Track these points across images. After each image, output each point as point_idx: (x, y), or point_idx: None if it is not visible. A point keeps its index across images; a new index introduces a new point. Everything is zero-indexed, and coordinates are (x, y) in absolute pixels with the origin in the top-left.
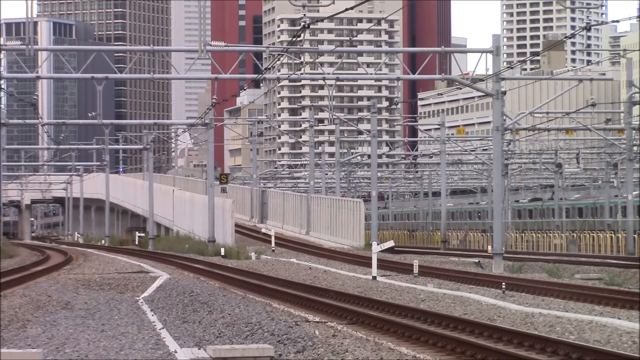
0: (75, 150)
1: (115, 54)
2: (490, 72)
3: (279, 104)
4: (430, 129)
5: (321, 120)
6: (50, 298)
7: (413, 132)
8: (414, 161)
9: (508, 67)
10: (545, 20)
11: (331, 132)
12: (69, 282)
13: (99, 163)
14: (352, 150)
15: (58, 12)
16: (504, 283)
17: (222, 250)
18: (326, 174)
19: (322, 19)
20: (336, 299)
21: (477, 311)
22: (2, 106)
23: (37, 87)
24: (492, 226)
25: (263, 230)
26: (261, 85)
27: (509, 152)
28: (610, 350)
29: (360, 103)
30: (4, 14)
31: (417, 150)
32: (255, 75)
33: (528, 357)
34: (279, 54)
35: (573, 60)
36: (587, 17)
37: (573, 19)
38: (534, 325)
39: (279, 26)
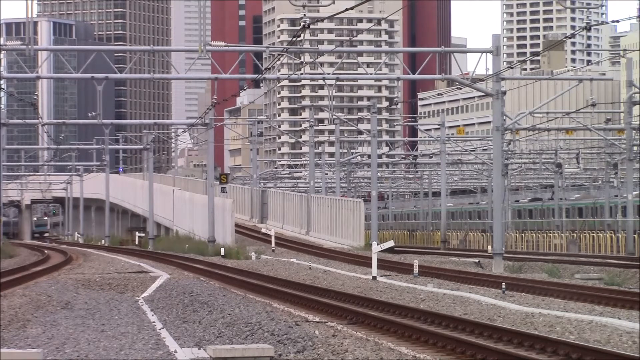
0: (75, 150)
1: (115, 54)
2: (490, 72)
3: (279, 104)
4: (430, 129)
5: (321, 120)
6: (50, 298)
7: (413, 132)
8: (414, 161)
9: (508, 67)
10: (545, 20)
11: (331, 132)
12: (69, 282)
13: (99, 163)
14: (352, 150)
15: (58, 12)
16: (504, 283)
17: (222, 250)
18: (326, 174)
19: (322, 19)
20: (336, 299)
21: (477, 311)
22: (2, 106)
23: (37, 87)
24: (492, 226)
25: (263, 230)
26: (261, 85)
27: (509, 152)
28: (610, 350)
29: (360, 103)
30: (4, 14)
31: (417, 150)
32: (255, 75)
33: (528, 357)
34: (279, 54)
35: (573, 60)
36: (587, 17)
37: (573, 19)
38: (534, 325)
39: (279, 26)
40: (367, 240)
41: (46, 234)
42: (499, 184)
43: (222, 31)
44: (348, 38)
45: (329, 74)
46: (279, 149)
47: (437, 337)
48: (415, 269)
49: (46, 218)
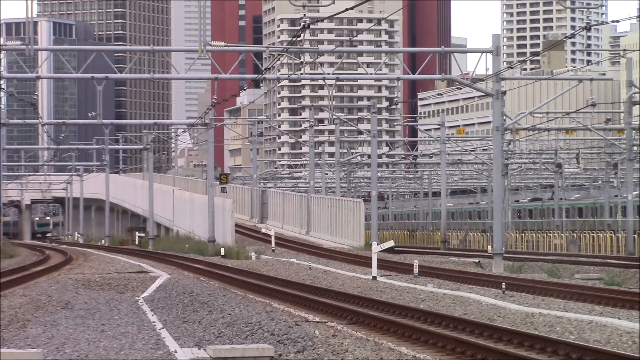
0: (75, 150)
1: (115, 54)
2: (490, 72)
3: (279, 104)
4: (430, 129)
5: (321, 120)
6: (50, 298)
7: (413, 132)
8: (414, 161)
9: (508, 67)
10: (545, 20)
11: (331, 132)
12: (69, 282)
13: (99, 163)
14: (352, 150)
15: (58, 12)
16: (504, 283)
17: (222, 250)
18: (326, 174)
19: (322, 19)
20: (336, 299)
21: (477, 311)
22: (2, 106)
23: (37, 87)
24: (492, 226)
25: (263, 230)
26: (261, 85)
27: (509, 152)
28: (610, 350)
29: (360, 103)
30: (4, 14)
31: (417, 150)
32: (255, 75)
33: (528, 357)
34: (279, 54)
35: (573, 60)
36: (587, 17)
37: (573, 19)
38: (534, 325)
39: (279, 26)
40: (367, 240)
41: (48, 234)
42: (499, 184)
43: (222, 31)
44: (348, 38)
45: (329, 74)
46: (279, 149)
47: (437, 337)
48: (415, 269)
49: (48, 218)
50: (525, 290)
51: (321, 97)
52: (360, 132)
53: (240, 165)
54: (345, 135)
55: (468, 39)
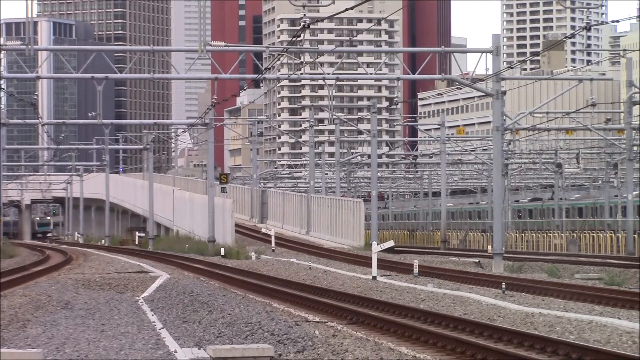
0: (75, 150)
1: (115, 54)
2: (490, 72)
3: (279, 104)
4: (430, 129)
5: (321, 120)
6: (50, 298)
7: (413, 132)
8: (414, 161)
9: (508, 67)
10: (545, 20)
11: (331, 132)
12: (69, 282)
13: (99, 163)
14: (352, 150)
15: (58, 12)
16: (504, 283)
17: (222, 250)
18: (326, 174)
19: (322, 19)
20: (336, 299)
21: (477, 311)
22: (2, 106)
23: (37, 87)
24: (492, 226)
25: (263, 230)
26: (261, 85)
27: (509, 152)
28: (610, 350)
29: (360, 103)
30: (4, 14)
31: (417, 150)
32: (255, 75)
33: (528, 357)
34: (279, 54)
35: (573, 60)
36: (587, 17)
37: (573, 19)
38: (534, 325)
39: (279, 26)
40: (367, 240)
41: (48, 234)
42: (499, 184)
43: (222, 31)
44: (348, 38)
45: (329, 74)
46: (279, 149)
47: (437, 337)
48: (415, 269)
49: (49, 218)
50: (525, 290)
51: (321, 97)
52: (360, 132)
53: (240, 165)
54: (345, 135)
55: (468, 39)
